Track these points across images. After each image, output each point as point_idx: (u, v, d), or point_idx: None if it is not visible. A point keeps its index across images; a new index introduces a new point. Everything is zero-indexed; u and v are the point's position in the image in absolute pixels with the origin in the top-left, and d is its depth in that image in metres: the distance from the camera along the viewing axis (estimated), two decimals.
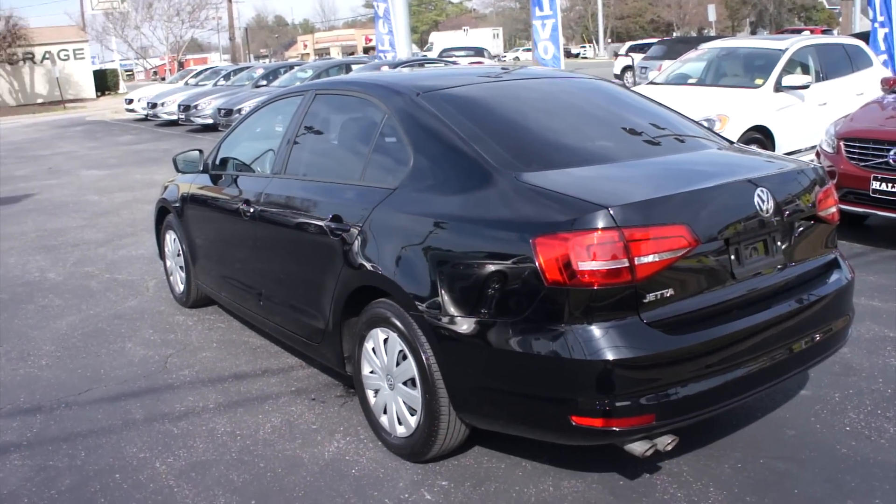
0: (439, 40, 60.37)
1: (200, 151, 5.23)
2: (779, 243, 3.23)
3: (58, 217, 9.93)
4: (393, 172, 3.57)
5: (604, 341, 2.74)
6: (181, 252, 5.68)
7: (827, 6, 70.69)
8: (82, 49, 42.37)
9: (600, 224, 2.74)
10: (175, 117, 21.39)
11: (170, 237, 5.91)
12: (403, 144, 3.54)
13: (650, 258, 2.76)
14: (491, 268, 2.95)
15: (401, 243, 3.32)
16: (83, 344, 5.27)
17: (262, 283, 4.52)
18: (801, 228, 3.35)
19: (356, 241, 3.53)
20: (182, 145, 17.40)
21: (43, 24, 48.77)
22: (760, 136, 8.92)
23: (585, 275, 2.73)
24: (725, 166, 3.46)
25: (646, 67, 20.96)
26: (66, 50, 41.38)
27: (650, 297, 2.80)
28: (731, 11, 74.36)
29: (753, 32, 71.59)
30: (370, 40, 76.23)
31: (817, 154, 7.47)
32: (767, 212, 3.12)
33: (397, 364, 3.43)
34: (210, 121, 19.22)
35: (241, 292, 4.84)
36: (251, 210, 4.40)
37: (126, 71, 62.55)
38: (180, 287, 5.89)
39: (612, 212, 2.76)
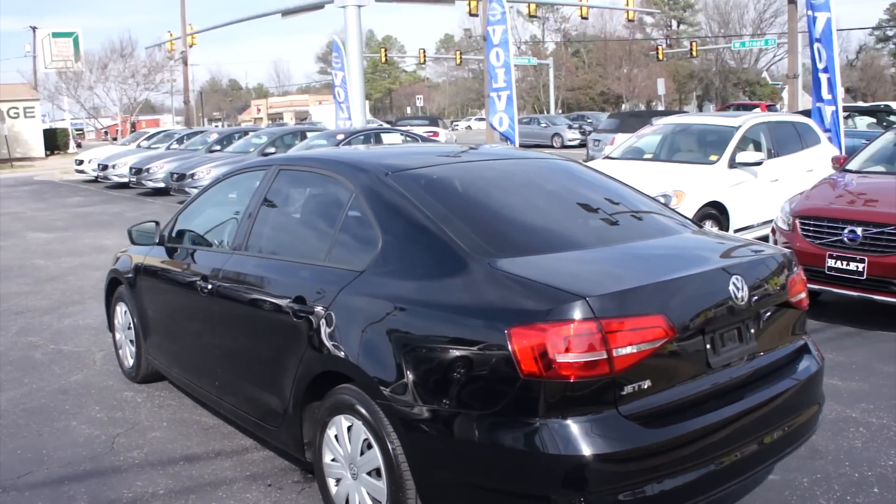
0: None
1: (157, 223, 5.09)
2: (752, 330, 3.20)
3: (1, 282, 9.59)
4: (360, 254, 3.48)
5: (580, 436, 2.65)
6: (132, 325, 5.48)
7: (770, 81, 73.44)
8: (33, 107, 41.85)
9: (578, 315, 2.68)
10: (126, 180, 21.10)
11: (120, 309, 5.71)
12: (371, 225, 3.46)
13: (628, 349, 2.70)
14: (463, 358, 2.86)
15: (368, 329, 3.20)
16: (24, 421, 5.00)
17: (217, 362, 4.35)
18: (772, 315, 3.33)
19: (321, 324, 3.41)
20: (132, 209, 17.14)
21: None
22: (715, 212, 9.05)
23: (562, 367, 2.65)
24: (699, 252, 3.45)
25: (599, 140, 21.36)
26: (17, 108, 40.82)
27: (628, 388, 2.73)
28: (678, 85, 76.67)
29: (700, 106, 73.88)
30: (321, 103, 76.69)
31: (772, 231, 7.57)
32: (742, 299, 3.09)
33: (361, 453, 3.29)
34: (162, 184, 18.97)
35: (195, 370, 4.66)
36: (209, 286, 4.26)
37: (77, 130, 61.92)
38: (129, 361, 5.67)
39: (590, 302, 2.70)
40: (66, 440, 4.69)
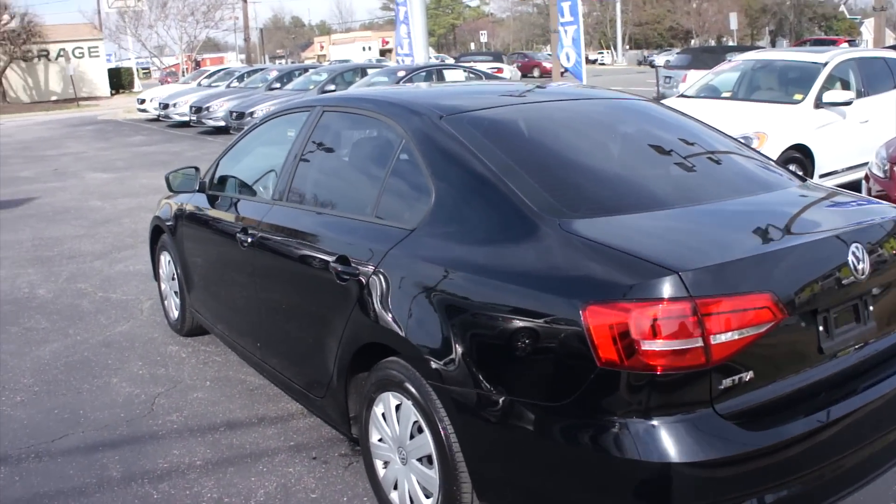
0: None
1: (196, 169, 4.74)
2: (870, 308, 2.69)
3: (57, 224, 9.48)
4: (410, 209, 3.06)
5: (668, 439, 2.20)
6: (175, 276, 5.19)
7: (848, 16, 69.77)
8: (97, 47, 42.12)
9: (669, 292, 2.21)
10: (187, 118, 20.97)
11: (164, 258, 5.43)
12: (423, 177, 3.02)
13: (728, 335, 2.22)
14: (528, 337, 2.43)
15: (419, 297, 2.79)
16: (65, 377, 4.78)
17: (259, 322, 4.02)
18: (892, 289, 2.81)
19: (366, 289, 3.01)
20: (192, 148, 16.98)
21: (58, 21, 48.55)
22: (799, 156, 8.39)
23: (648, 355, 2.20)
24: (809, 214, 2.91)
25: (670, 77, 20.36)
26: (81, 48, 41.14)
27: (726, 382, 2.26)
28: (750, 20, 73.61)
29: (773, 42, 70.82)
30: (387, 42, 75.87)
31: (866, 178, 6.93)
32: (862, 272, 2.57)
33: (411, 437, 2.91)
34: (222, 123, 18.77)
35: (238, 328, 4.35)
36: (248, 239, 3.90)
37: (143, 69, 62.39)
38: (174, 313, 5.40)
39: (683, 277, 2.22)
40: (105, 399, 4.44)
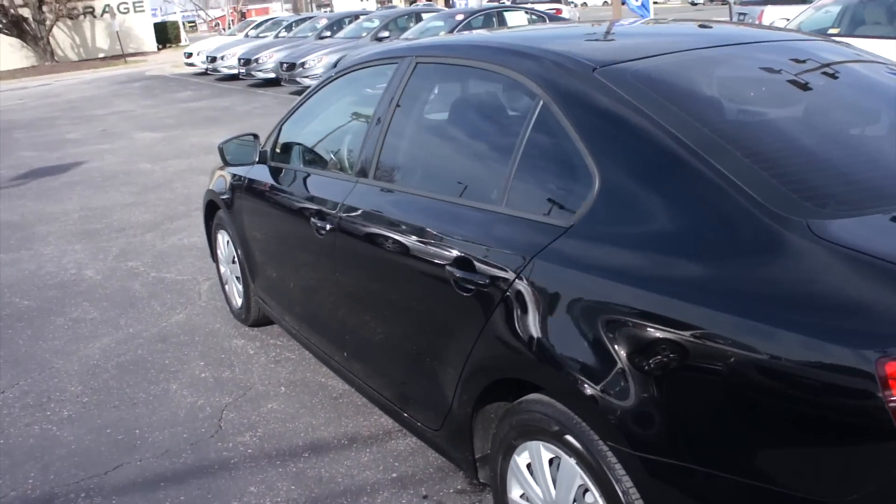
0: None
1: (255, 136, 3.93)
2: None
3: (105, 192, 8.84)
4: (561, 198, 2.22)
5: None
6: (236, 258, 4.45)
7: None
8: (142, 2, 41.42)
9: None
10: (235, 71, 20.23)
11: (222, 238, 4.69)
12: (578, 153, 2.17)
13: None
14: (770, 392, 1.61)
15: (592, 325, 1.95)
16: (117, 383, 4.10)
17: (344, 327, 3.25)
18: None
19: (502, 305, 2.20)
20: (243, 102, 16.26)
21: None
22: None
23: None
24: None
25: (744, 14, 18.90)
26: (126, 3, 40.46)
27: None
28: None
29: None
30: None
31: None
32: None
33: (574, 501, 2.12)
34: (272, 75, 18.03)
35: (316, 328, 3.59)
36: (326, 226, 3.11)
37: (189, 23, 61.74)
38: (237, 300, 4.68)
39: None
40: (165, 413, 3.75)
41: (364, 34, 16.50)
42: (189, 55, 25.05)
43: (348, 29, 18.24)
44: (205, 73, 23.37)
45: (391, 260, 2.75)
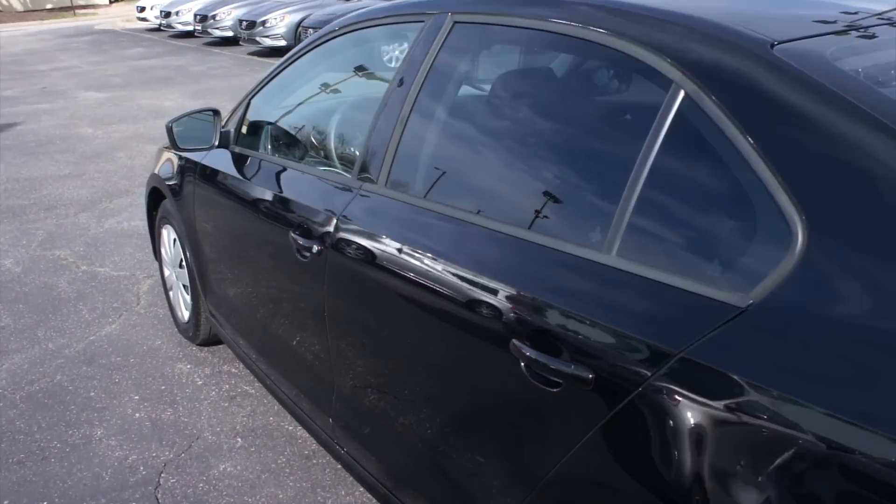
0: None
1: (215, 113, 2.99)
2: None
3: (38, 159, 7.77)
4: (732, 256, 1.32)
5: None
6: (184, 262, 3.53)
7: None
8: None
9: None
10: (191, 28, 18.96)
11: (168, 235, 3.76)
12: (761, 184, 1.29)
13: None
14: None
15: (787, 474, 1.11)
16: (25, 424, 3.18)
17: (330, 386, 2.36)
18: None
19: (616, 414, 1.35)
20: (198, 61, 15.08)
21: None
22: None
23: None
24: None
25: None
26: None
27: None
28: None
29: None
30: None
31: None
32: None
33: None
34: (230, 33, 16.86)
35: (283, 371, 2.70)
36: (313, 247, 2.21)
37: None
38: (184, 313, 3.77)
39: None
40: (85, 475, 2.85)
41: None
42: (142, 9, 23.56)
43: None
44: (158, 29, 21.98)
45: (410, 310, 1.87)
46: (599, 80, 1.88)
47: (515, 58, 2.14)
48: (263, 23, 14.96)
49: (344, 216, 2.13)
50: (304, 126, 2.81)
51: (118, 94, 11.81)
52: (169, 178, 3.49)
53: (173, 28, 20.36)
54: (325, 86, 2.79)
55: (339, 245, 2.11)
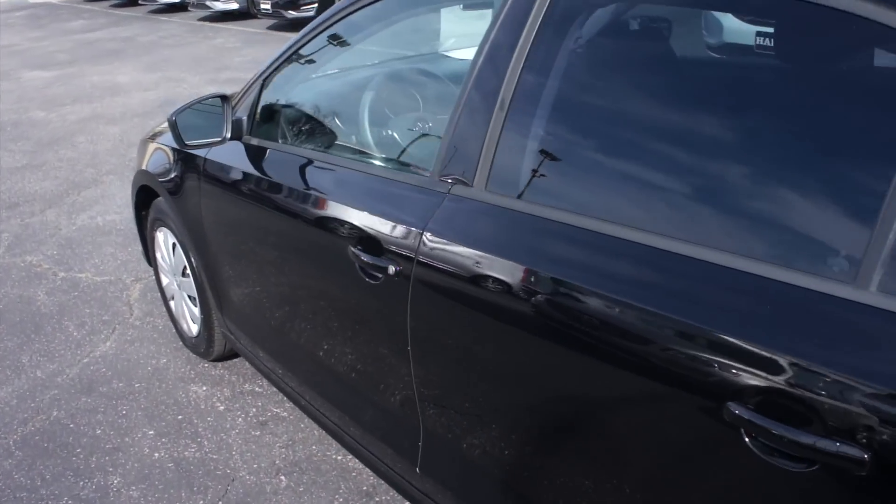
0: None
1: (224, 98, 2.48)
2: None
3: None
4: None
5: None
6: (190, 269, 3.05)
7: None
8: None
9: None
10: None
11: (164, 238, 3.26)
12: None
13: None
14: None
15: None
16: (27, 479, 2.72)
17: (416, 428, 1.93)
18: None
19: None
20: (147, 31, 14.26)
21: None
22: None
23: None
24: None
25: None
26: None
27: None
28: None
29: None
30: None
31: None
32: None
33: None
34: None
35: (348, 407, 2.26)
36: (389, 268, 1.75)
37: None
38: (191, 327, 3.30)
39: None
40: None
41: None
42: None
43: None
44: None
45: (540, 353, 1.44)
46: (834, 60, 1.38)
47: (664, 27, 1.68)
48: None
49: (431, 229, 1.67)
50: (346, 111, 2.32)
51: (67, 71, 11.04)
52: (163, 175, 2.98)
53: None
54: (371, 59, 2.31)
55: (427, 266, 1.66)
